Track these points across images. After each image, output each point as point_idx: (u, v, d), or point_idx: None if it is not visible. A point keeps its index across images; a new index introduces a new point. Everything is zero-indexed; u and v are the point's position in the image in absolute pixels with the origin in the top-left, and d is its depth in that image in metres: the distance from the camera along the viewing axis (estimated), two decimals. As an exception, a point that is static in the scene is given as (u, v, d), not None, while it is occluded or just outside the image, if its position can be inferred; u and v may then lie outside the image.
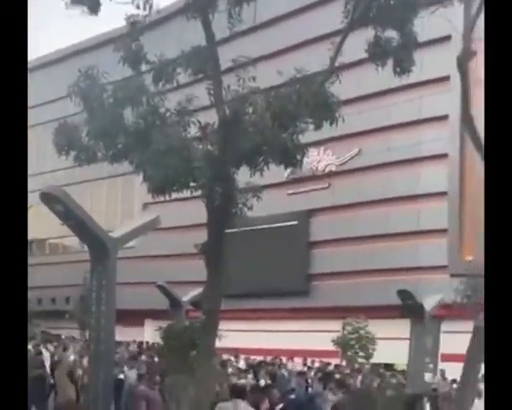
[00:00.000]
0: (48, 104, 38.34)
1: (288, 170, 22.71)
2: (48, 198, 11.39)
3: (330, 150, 28.98)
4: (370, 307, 24.77)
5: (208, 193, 12.36)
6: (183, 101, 12.94)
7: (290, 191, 29.60)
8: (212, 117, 12.86)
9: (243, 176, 12.91)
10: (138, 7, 12.71)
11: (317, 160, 29.21)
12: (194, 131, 13.03)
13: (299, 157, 12.69)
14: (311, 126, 12.64)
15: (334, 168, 29.14)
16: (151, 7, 12.80)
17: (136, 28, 13.01)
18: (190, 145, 12.29)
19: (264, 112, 12.01)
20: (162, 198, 12.33)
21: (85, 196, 29.23)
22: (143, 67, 13.12)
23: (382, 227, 26.85)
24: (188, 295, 21.73)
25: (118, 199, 36.63)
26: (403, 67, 12.83)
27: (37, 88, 34.75)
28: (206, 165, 11.95)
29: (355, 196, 27.88)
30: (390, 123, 27.31)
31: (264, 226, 29.42)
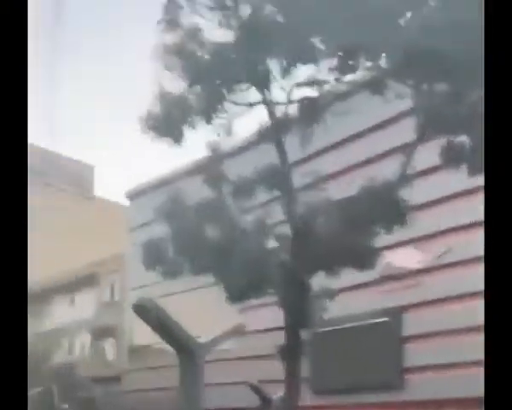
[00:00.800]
0: (144, 227, 40.53)
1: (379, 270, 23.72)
2: (140, 310, 12.79)
3: (419, 249, 29.67)
4: (464, 400, 24.87)
5: (284, 299, 13.53)
6: (261, 215, 14.30)
7: (380, 289, 30.26)
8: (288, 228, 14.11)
9: (321, 278, 13.95)
10: (219, 135, 14.31)
11: (406, 258, 29.89)
12: (271, 243, 14.29)
13: (372, 261, 13.69)
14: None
15: (423, 265, 29.69)
16: (231, 134, 14.33)
17: (217, 154, 14.61)
18: (268, 256, 13.55)
19: (336, 219, 13.13)
20: (245, 305, 13.53)
21: (179, 305, 30.68)
22: (224, 188, 14.63)
23: (473, 320, 27.03)
24: (277, 393, 22.59)
25: (209, 306, 37.87)
26: (477, 167, 13.47)
27: (136, 212, 37.05)
28: (282, 274, 13.17)
29: (445, 290, 28.28)
30: (478, 219, 27.83)
31: (357, 324, 30.13)
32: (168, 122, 13.30)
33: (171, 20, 13.29)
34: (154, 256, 13.37)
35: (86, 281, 38.95)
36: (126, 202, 38.44)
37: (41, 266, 45.36)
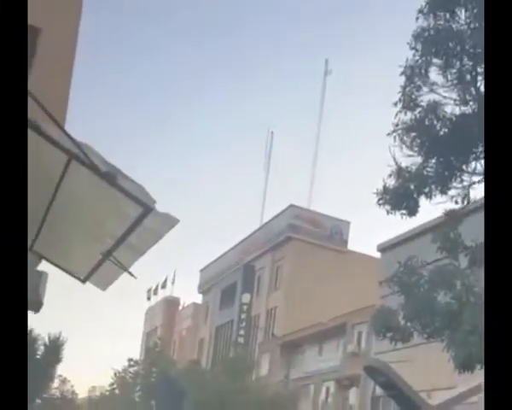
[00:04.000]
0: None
1: None
2: (371, 371, 13.55)
3: None
4: None
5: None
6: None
7: None
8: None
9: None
10: (457, 202, 14.77)
11: None
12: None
13: None
14: None
15: None
16: (468, 201, 14.74)
17: (454, 220, 15.04)
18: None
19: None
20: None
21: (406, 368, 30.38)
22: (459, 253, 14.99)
23: None
24: None
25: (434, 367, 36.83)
26: None
27: (387, 265, 37.68)
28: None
29: None
30: None
31: None
32: (404, 196, 14.05)
33: (409, 100, 14.14)
34: (384, 322, 14.07)
35: (335, 331, 40.26)
36: (378, 256, 39.41)
37: (296, 316, 47.65)
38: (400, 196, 14.09)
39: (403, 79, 14.29)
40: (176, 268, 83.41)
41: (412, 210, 14.35)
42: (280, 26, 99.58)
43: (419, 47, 13.88)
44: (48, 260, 9.06)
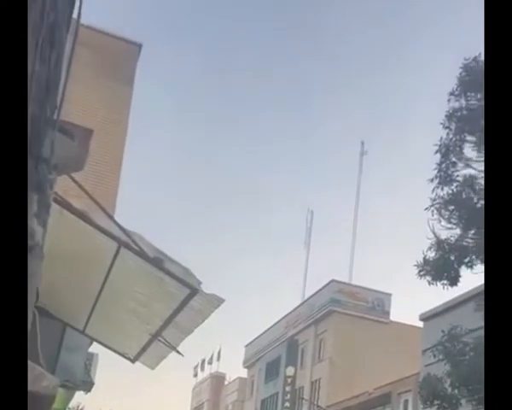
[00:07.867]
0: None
1: None
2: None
3: None
4: None
5: None
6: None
7: None
8: None
9: None
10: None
11: None
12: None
13: None
14: None
15: None
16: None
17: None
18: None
19: None
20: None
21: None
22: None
23: None
24: None
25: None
26: None
27: (429, 334, 37.88)
28: None
29: None
30: None
31: None
32: (445, 267, 14.57)
33: (446, 175, 14.81)
34: (431, 390, 14.41)
35: (381, 400, 40.08)
36: (420, 325, 39.38)
37: (340, 387, 47.54)
38: (441, 267, 14.59)
39: (437, 156, 14.98)
40: (221, 344, 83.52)
41: (453, 280, 14.82)
42: (317, 113, 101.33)
43: (453, 126, 14.62)
44: (99, 341, 9.43)
